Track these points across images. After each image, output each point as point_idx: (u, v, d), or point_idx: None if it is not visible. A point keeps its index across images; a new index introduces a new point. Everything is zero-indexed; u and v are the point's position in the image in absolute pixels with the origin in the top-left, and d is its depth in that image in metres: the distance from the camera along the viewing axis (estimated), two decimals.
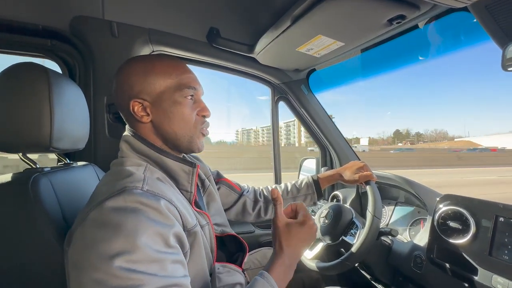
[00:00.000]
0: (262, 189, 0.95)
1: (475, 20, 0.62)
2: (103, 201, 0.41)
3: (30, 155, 0.60)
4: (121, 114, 0.58)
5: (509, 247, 0.61)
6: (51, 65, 0.91)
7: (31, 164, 0.60)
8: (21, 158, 0.59)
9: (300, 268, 0.90)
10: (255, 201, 0.91)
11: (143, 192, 0.44)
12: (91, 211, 0.42)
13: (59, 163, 0.76)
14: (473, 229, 0.67)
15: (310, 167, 1.53)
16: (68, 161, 0.76)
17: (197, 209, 0.58)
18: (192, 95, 0.57)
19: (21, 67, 0.54)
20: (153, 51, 1.01)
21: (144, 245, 0.38)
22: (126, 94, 0.54)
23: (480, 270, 0.64)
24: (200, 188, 0.72)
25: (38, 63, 0.57)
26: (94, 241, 0.38)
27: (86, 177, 0.72)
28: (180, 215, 0.47)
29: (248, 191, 0.92)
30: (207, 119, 0.61)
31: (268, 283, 0.51)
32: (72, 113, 0.62)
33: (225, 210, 0.85)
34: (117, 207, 0.40)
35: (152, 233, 0.40)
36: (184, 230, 0.48)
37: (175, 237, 0.44)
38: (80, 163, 0.77)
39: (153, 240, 0.40)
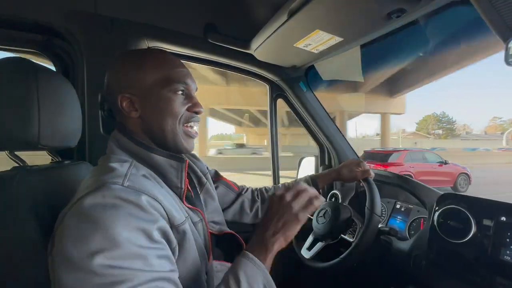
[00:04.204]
0: (259, 189, 0.94)
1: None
2: (81, 198, 0.40)
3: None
4: (112, 110, 0.57)
5: (511, 247, 0.59)
6: (45, 61, 0.89)
7: (19, 162, 0.58)
8: (8, 156, 0.57)
9: (299, 268, 0.89)
10: (253, 201, 0.90)
11: (123, 188, 0.42)
12: (70, 209, 0.41)
13: (51, 162, 0.75)
14: (473, 228, 0.66)
15: (309, 165, 1.51)
16: (60, 159, 0.75)
17: (189, 206, 0.56)
18: (182, 90, 0.55)
19: (8, 62, 0.53)
20: (148, 47, 0.99)
21: (126, 241, 0.37)
22: (115, 89, 0.53)
23: (481, 270, 0.62)
24: (197, 185, 0.71)
25: (27, 58, 0.55)
26: (73, 239, 0.37)
27: (78, 176, 0.70)
28: (165, 211, 0.46)
29: (246, 191, 0.91)
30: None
31: (251, 262, 0.47)
32: (62, 109, 0.60)
33: (223, 210, 0.83)
34: (96, 203, 0.39)
35: (133, 229, 0.39)
36: (171, 227, 0.46)
37: (160, 231, 0.43)
38: (72, 161, 0.75)
39: (134, 236, 0.38)
